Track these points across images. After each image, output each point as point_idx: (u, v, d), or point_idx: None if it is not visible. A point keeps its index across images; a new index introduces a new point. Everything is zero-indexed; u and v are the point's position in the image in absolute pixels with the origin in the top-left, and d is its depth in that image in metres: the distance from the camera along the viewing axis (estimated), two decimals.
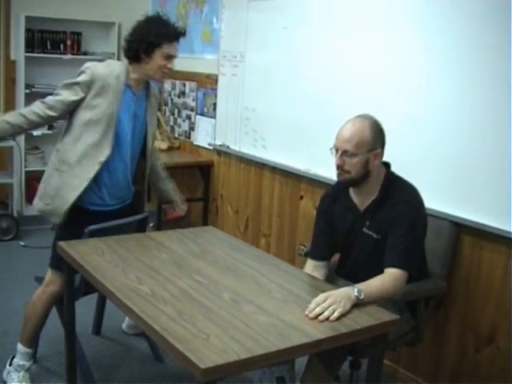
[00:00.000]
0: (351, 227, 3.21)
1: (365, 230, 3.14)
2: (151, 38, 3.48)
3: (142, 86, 3.66)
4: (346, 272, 3.29)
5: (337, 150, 3.04)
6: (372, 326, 2.54)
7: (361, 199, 3.17)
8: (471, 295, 3.58)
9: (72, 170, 3.53)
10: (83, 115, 3.50)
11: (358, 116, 3.08)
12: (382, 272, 2.96)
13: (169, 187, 4.10)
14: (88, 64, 3.54)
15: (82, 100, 3.49)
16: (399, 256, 2.97)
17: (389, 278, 2.91)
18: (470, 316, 3.60)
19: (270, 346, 2.25)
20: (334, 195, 3.29)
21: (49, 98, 3.52)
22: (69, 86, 3.50)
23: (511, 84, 3.23)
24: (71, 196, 3.53)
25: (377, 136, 3.03)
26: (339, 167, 3.05)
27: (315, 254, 3.33)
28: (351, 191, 3.19)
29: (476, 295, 3.56)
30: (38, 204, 3.63)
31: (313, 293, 2.72)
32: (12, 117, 3.52)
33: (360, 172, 3.02)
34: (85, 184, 3.52)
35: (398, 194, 3.06)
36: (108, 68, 3.56)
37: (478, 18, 3.39)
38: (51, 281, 3.62)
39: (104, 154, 3.52)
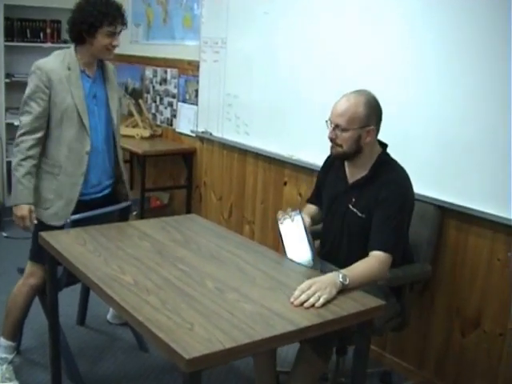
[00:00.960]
0: (336, 197, 3.23)
1: (350, 206, 3.14)
2: (92, 19, 3.42)
3: (94, 66, 3.61)
4: (325, 254, 3.28)
5: (331, 123, 3.05)
6: (358, 312, 2.52)
7: (352, 172, 3.18)
8: (457, 279, 3.58)
9: (65, 170, 3.51)
10: (54, 115, 3.46)
11: (356, 91, 3.07)
12: (361, 251, 2.95)
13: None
14: (36, 64, 3.47)
15: (49, 100, 3.45)
16: (385, 239, 2.95)
17: (374, 261, 2.89)
18: (456, 300, 3.59)
19: (256, 335, 2.22)
20: (332, 160, 3.32)
21: (24, 124, 3.44)
22: (32, 99, 3.44)
23: (499, 69, 3.22)
24: (74, 193, 3.53)
25: (371, 113, 3.02)
26: (331, 140, 3.07)
27: (311, 199, 3.53)
28: (345, 163, 3.20)
29: (461, 279, 3.55)
30: (36, 211, 3.52)
31: (298, 280, 2.70)
32: (24, 180, 3.43)
33: (351, 147, 3.03)
34: (81, 178, 3.53)
35: (388, 175, 3.06)
36: (57, 60, 3.50)
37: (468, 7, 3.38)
38: (31, 273, 3.59)
39: (87, 143, 3.51)
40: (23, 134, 3.43)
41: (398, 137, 3.63)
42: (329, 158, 3.38)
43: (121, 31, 3.56)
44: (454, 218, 3.54)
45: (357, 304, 2.56)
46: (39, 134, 3.44)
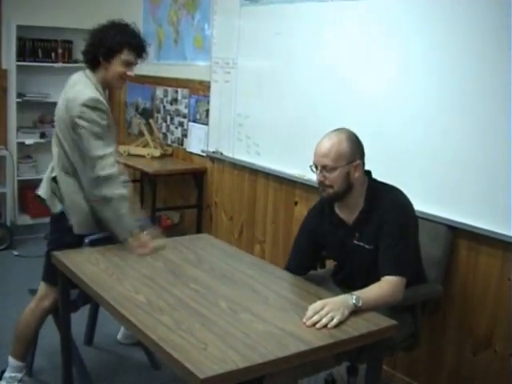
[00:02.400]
0: (342, 241, 3.19)
1: (355, 241, 3.13)
2: (112, 44, 3.39)
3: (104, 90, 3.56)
4: (342, 280, 3.29)
5: (316, 167, 3.05)
6: (370, 332, 2.54)
7: (347, 213, 3.15)
8: (468, 299, 3.57)
9: None
10: None
11: (334, 130, 3.08)
12: (378, 280, 2.95)
13: None
14: (90, 99, 3.33)
15: None
16: (393, 263, 2.96)
17: (386, 285, 2.90)
18: (467, 319, 3.59)
19: (269, 355, 2.25)
20: (320, 212, 3.27)
21: (112, 153, 3.38)
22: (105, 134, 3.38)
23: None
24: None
25: (354, 147, 3.02)
26: (321, 183, 3.06)
27: (291, 267, 3.30)
28: (336, 207, 3.18)
29: (473, 299, 3.55)
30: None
31: (310, 300, 2.71)
32: (126, 209, 3.36)
33: (342, 186, 3.02)
34: None
35: (383, 202, 3.05)
36: (96, 89, 3.43)
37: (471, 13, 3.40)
38: (45, 295, 3.57)
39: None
40: (114, 163, 3.36)
41: (409, 157, 3.66)
42: (310, 212, 3.36)
43: (137, 63, 3.53)
44: (465, 237, 3.54)
45: (369, 324, 2.57)
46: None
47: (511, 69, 3.20)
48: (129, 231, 3.33)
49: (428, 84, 3.64)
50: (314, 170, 3.06)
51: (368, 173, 3.14)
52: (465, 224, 3.48)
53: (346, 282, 3.23)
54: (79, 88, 3.41)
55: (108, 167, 3.32)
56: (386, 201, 3.05)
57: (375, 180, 3.15)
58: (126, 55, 3.42)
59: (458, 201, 3.52)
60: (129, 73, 3.48)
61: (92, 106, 3.32)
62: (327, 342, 2.40)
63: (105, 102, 3.40)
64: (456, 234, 3.55)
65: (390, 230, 2.99)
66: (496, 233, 3.34)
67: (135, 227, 3.35)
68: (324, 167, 3.00)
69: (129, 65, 3.46)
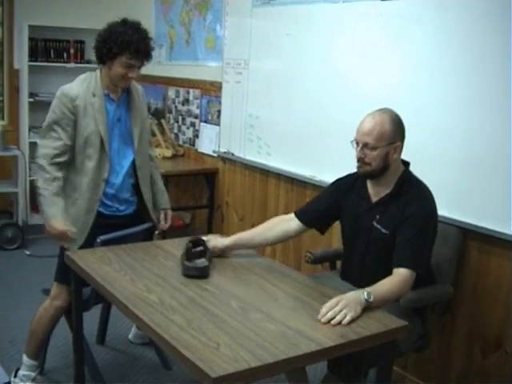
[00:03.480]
0: (359, 216, 3.23)
1: (374, 223, 3.16)
2: (112, 45, 3.41)
3: (119, 89, 3.60)
4: (349, 270, 3.30)
5: (357, 144, 3.08)
6: (381, 332, 2.54)
7: (375, 191, 3.19)
8: (478, 300, 3.58)
9: (84, 195, 3.53)
10: (78, 141, 3.49)
11: (378, 109, 3.11)
12: (386, 268, 2.98)
13: (158, 197, 3.97)
14: (61, 90, 3.48)
15: (74, 127, 3.49)
16: (410, 256, 2.97)
17: (397, 279, 2.91)
18: (477, 321, 3.59)
19: (280, 355, 2.25)
20: (351, 182, 3.32)
21: (55, 147, 3.46)
22: (58, 124, 3.46)
23: None
24: (89, 219, 3.55)
25: (397, 129, 3.07)
26: (360, 160, 3.10)
27: (300, 212, 3.40)
28: (368, 181, 3.22)
29: (483, 300, 3.55)
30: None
31: (321, 300, 2.72)
32: (54, 198, 3.47)
33: (380, 164, 3.06)
34: (97, 204, 3.56)
35: (413, 193, 3.08)
36: (83, 85, 3.50)
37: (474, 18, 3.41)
38: (57, 295, 3.60)
39: (105, 170, 3.54)
40: (54, 157, 3.45)
41: (420, 158, 3.65)
42: (340, 180, 3.39)
43: (141, 66, 3.54)
44: (476, 239, 3.54)
45: (380, 324, 2.58)
46: (65, 158, 3.48)
47: None
48: (47, 219, 3.46)
49: (436, 87, 3.64)
50: (355, 146, 3.10)
51: (406, 163, 3.19)
52: (476, 226, 3.48)
53: (354, 273, 3.25)
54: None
55: (40, 157, 3.49)
56: (416, 193, 3.09)
57: (411, 172, 3.19)
58: (126, 58, 3.42)
59: (468, 202, 3.53)
60: (130, 74, 3.48)
61: (58, 95, 3.48)
62: (339, 341, 2.41)
63: (83, 97, 3.46)
64: (467, 235, 3.56)
65: (412, 223, 3.01)
66: (508, 234, 3.34)
67: (54, 216, 3.44)
68: (365, 145, 3.04)
69: (130, 67, 3.46)
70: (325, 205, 3.37)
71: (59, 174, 3.47)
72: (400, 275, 2.92)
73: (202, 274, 2.96)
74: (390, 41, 3.92)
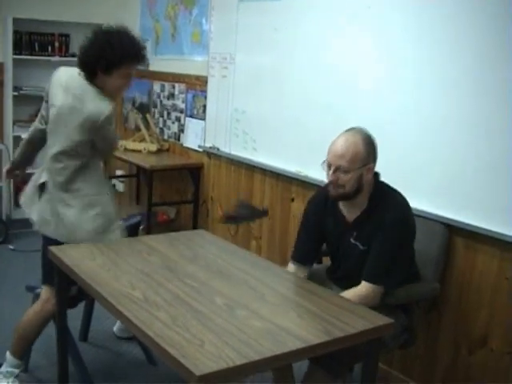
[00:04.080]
0: (339, 238, 3.21)
1: (352, 240, 3.14)
2: (112, 57, 3.29)
3: None
4: (338, 278, 3.29)
5: (329, 166, 3.03)
6: (367, 329, 2.53)
7: (350, 211, 3.16)
8: (464, 297, 3.57)
9: (108, 187, 3.66)
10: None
11: (350, 130, 3.06)
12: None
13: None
14: (110, 111, 3.37)
15: None
16: (378, 272, 3.02)
17: (359, 293, 2.97)
18: (464, 318, 3.59)
19: (265, 352, 2.24)
20: (323, 202, 3.26)
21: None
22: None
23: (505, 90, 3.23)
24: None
25: (370, 150, 3.02)
26: (332, 182, 3.04)
27: (299, 257, 3.31)
28: (340, 202, 3.18)
29: (469, 297, 3.55)
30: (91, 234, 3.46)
31: (307, 297, 2.71)
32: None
33: (353, 187, 3.01)
34: None
35: (386, 206, 3.05)
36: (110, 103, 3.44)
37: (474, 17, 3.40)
38: (48, 297, 3.53)
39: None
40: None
41: (407, 156, 3.65)
42: (313, 202, 3.35)
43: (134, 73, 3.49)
44: (463, 236, 3.54)
45: (366, 322, 2.57)
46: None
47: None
48: None
49: (425, 81, 3.63)
50: (326, 168, 3.04)
51: (376, 174, 3.13)
52: (462, 222, 3.48)
53: (342, 280, 3.23)
54: (94, 100, 3.37)
55: None
56: (389, 207, 3.05)
57: (382, 182, 3.15)
58: (126, 68, 3.36)
59: (454, 199, 3.52)
60: (129, 84, 3.47)
61: (110, 120, 3.38)
62: (324, 339, 2.39)
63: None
64: (453, 232, 3.55)
65: (385, 238, 3.01)
66: (494, 231, 3.34)
67: None
68: (338, 168, 2.98)
69: (129, 76, 3.43)
70: (314, 233, 3.30)
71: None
72: (362, 289, 2.98)
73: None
74: (378, 34, 3.90)
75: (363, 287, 2.99)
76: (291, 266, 3.29)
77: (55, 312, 3.51)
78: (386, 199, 3.08)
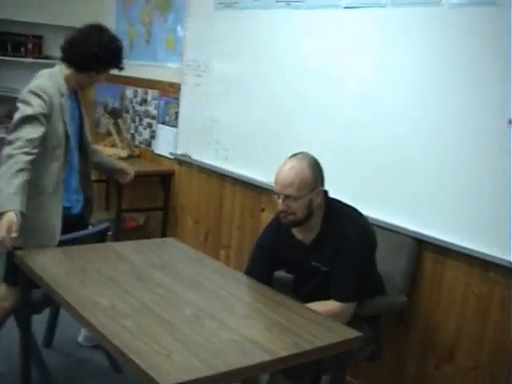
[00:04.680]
0: (299, 261, 3.20)
1: (313, 262, 3.14)
2: (107, 62, 3.47)
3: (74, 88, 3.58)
4: (301, 298, 3.28)
5: (278, 196, 3.02)
6: (336, 343, 2.53)
7: (305, 235, 3.16)
8: (432, 311, 3.58)
9: (51, 199, 3.38)
10: (48, 142, 3.33)
11: (295, 156, 3.07)
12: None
13: (110, 159, 4.24)
14: (39, 86, 3.31)
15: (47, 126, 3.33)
16: (345, 290, 3.03)
17: (326, 309, 2.94)
18: (431, 332, 3.60)
19: (233, 364, 2.23)
20: (277, 231, 3.25)
21: (30, 139, 3.16)
22: (36, 118, 3.24)
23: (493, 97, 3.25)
24: (58, 222, 3.41)
25: (316, 174, 3.03)
26: (283, 212, 3.03)
27: (255, 273, 3.27)
28: (293, 228, 3.17)
29: (437, 311, 3.56)
30: (17, 241, 3.04)
31: (275, 308, 2.70)
32: (21, 188, 3.04)
33: (304, 213, 3.02)
34: (61, 206, 3.45)
35: (341, 225, 3.06)
36: (54, 85, 3.38)
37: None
38: (6, 296, 3.48)
39: (65, 170, 3.46)
40: (24, 147, 3.13)
41: (374, 167, 3.66)
42: (262, 239, 3.32)
43: None
44: (431, 250, 3.55)
45: (334, 335, 2.57)
46: (35, 155, 3.19)
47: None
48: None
49: (403, 85, 3.64)
50: (276, 197, 3.03)
51: (325, 192, 3.13)
52: (430, 237, 3.49)
53: (305, 301, 3.22)
54: (33, 80, 3.43)
55: (14, 147, 3.14)
56: (344, 224, 3.06)
57: (333, 199, 3.15)
58: (112, 70, 3.56)
59: (424, 213, 3.53)
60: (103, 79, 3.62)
61: (33, 91, 3.29)
62: (292, 351, 2.39)
63: (55, 96, 3.34)
64: (422, 246, 3.56)
65: (344, 256, 3.02)
66: (462, 247, 3.35)
67: (14, 207, 3.00)
68: (287, 197, 2.98)
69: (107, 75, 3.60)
70: (264, 261, 3.27)
71: (30, 167, 3.13)
72: (335, 306, 2.99)
73: None
74: (352, 47, 3.91)
75: (335, 306, 2.99)
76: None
77: (15, 312, 3.49)
78: (340, 218, 3.08)
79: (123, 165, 4.15)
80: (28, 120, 3.22)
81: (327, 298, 3.04)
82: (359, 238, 3.03)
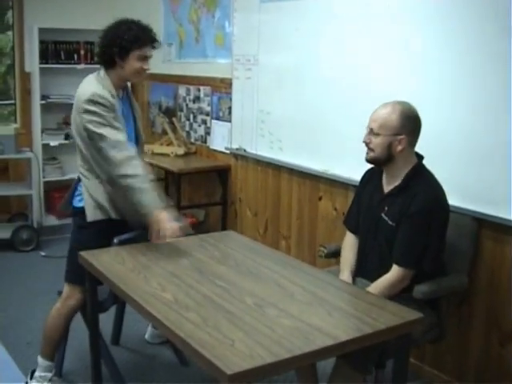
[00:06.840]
0: (371, 208, 3.29)
1: (383, 215, 3.20)
2: (124, 42, 3.43)
3: (121, 87, 3.62)
4: (363, 259, 3.33)
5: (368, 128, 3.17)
6: (397, 325, 2.53)
7: (387, 182, 3.25)
8: (494, 290, 3.56)
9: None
10: None
11: (396, 100, 3.17)
12: (390, 260, 3.10)
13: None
14: (91, 94, 3.38)
15: None
16: (409, 254, 3.08)
17: (395, 278, 3.07)
18: (494, 311, 3.57)
19: (296, 350, 2.25)
20: (372, 172, 3.39)
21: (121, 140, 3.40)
22: (111, 121, 3.40)
23: None
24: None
25: (404, 122, 3.09)
26: (366, 144, 3.18)
27: (348, 221, 3.51)
28: (383, 172, 3.27)
29: (499, 290, 3.53)
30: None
31: (336, 294, 2.72)
32: (148, 185, 3.38)
33: (382, 153, 3.12)
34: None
35: (420, 187, 3.10)
36: (104, 87, 3.46)
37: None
38: (69, 295, 3.60)
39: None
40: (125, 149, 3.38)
41: (433, 148, 3.64)
42: (366, 173, 3.44)
43: (151, 56, 3.57)
44: (491, 229, 3.52)
45: (395, 317, 2.57)
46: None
47: None
48: (152, 206, 3.30)
49: (446, 81, 3.62)
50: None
51: (420, 157, 3.21)
52: (490, 215, 3.46)
53: (362, 263, 3.31)
54: (83, 85, 3.51)
55: (124, 150, 3.37)
56: (422, 188, 3.11)
57: (423, 166, 3.21)
58: (139, 50, 3.47)
59: (482, 192, 3.50)
60: (145, 66, 3.52)
61: (94, 100, 3.37)
62: (354, 335, 2.40)
63: (110, 98, 3.42)
64: (481, 225, 3.54)
65: (414, 221, 3.06)
66: None
67: (158, 203, 3.33)
68: (371, 130, 3.13)
69: (144, 59, 3.51)
70: (357, 204, 3.45)
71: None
72: (397, 273, 3.08)
73: None
74: (400, 32, 3.90)
75: (398, 272, 3.07)
76: (348, 234, 3.49)
77: (82, 310, 3.58)
78: (422, 181, 3.14)
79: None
80: (107, 125, 3.39)
81: (384, 257, 3.17)
82: (426, 205, 3.06)
